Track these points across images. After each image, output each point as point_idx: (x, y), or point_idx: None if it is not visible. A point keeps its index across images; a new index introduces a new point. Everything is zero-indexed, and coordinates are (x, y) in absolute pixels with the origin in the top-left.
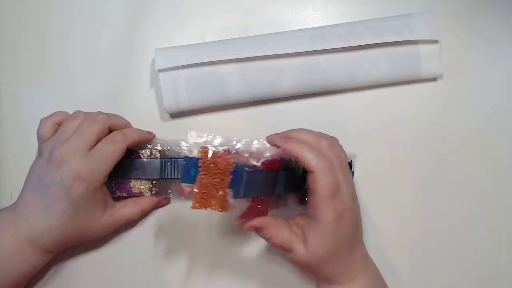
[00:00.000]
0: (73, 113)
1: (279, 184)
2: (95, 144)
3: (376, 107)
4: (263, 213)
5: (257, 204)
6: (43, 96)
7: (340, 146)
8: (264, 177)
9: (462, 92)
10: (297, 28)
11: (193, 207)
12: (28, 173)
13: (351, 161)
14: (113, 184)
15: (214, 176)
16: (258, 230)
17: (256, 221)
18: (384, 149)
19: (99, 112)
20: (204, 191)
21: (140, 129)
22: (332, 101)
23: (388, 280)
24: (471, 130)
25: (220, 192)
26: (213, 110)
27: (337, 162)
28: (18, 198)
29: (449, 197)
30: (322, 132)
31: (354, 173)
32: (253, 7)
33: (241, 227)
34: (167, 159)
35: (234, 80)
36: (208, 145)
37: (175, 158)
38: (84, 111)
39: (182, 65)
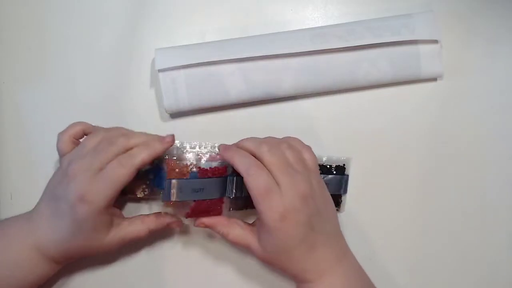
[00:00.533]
0: (95, 129)
1: (229, 188)
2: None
3: (376, 107)
4: (215, 212)
5: (201, 205)
6: (43, 96)
7: (296, 149)
8: (199, 183)
9: (462, 92)
10: (297, 28)
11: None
12: (48, 182)
13: (344, 164)
14: None
15: None
16: (211, 228)
17: (205, 220)
18: (384, 149)
19: (119, 133)
20: None
21: (152, 143)
22: (332, 101)
23: (389, 280)
24: (471, 130)
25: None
26: (213, 110)
27: (278, 165)
28: (35, 205)
29: (449, 197)
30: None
31: (349, 175)
32: (253, 7)
33: (194, 224)
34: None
35: (234, 80)
36: (168, 157)
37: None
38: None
39: (182, 65)
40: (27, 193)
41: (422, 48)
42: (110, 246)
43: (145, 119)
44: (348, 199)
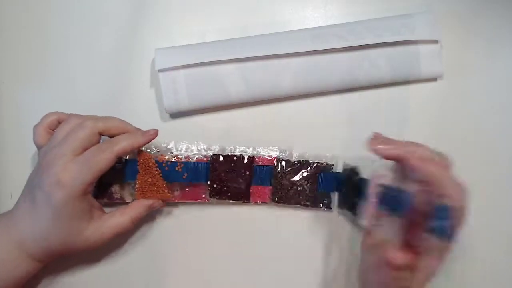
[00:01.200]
0: (67, 116)
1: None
2: (83, 151)
3: (376, 107)
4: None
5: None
6: (43, 96)
7: None
8: None
9: (462, 92)
10: (297, 28)
11: (137, 198)
12: (28, 178)
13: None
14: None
15: (149, 176)
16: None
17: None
18: None
19: (89, 117)
20: (143, 186)
21: (134, 134)
22: (332, 101)
23: None
24: (471, 130)
25: (155, 188)
26: (213, 110)
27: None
28: (16, 203)
29: None
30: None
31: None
32: (253, 7)
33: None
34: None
35: (234, 80)
36: (146, 151)
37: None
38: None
39: (182, 65)
40: None
41: (422, 48)
42: (91, 240)
43: (145, 119)
44: None
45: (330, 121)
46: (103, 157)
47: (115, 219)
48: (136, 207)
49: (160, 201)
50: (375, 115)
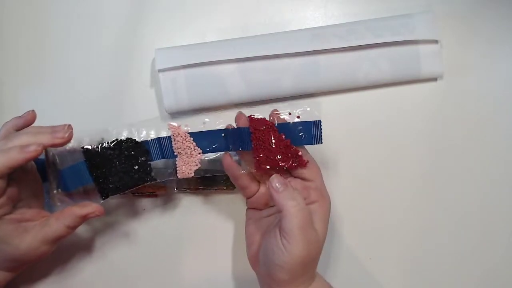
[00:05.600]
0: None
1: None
2: None
3: (376, 107)
4: None
5: None
6: (43, 96)
7: None
8: None
9: (462, 92)
10: (297, 28)
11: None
12: None
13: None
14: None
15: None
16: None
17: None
18: (384, 149)
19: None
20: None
21: (10, 151)
22: (332, 101)
23: (388, 280)
24: (471, 130)
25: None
26: (213, 110)
27: None
28: None
29: (449, 197)
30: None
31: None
32: (253, 7)
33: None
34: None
35: (234, 80)
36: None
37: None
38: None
39: (182, 65)
40: None
41: (422, 48)
42: (33, 250)
43: (145, 119)
44: (348, 199)
45: (330, 121)
46: None
47: (50, 227)
48: (69, 215)
49: (100, 209)
50: (375, 115)
